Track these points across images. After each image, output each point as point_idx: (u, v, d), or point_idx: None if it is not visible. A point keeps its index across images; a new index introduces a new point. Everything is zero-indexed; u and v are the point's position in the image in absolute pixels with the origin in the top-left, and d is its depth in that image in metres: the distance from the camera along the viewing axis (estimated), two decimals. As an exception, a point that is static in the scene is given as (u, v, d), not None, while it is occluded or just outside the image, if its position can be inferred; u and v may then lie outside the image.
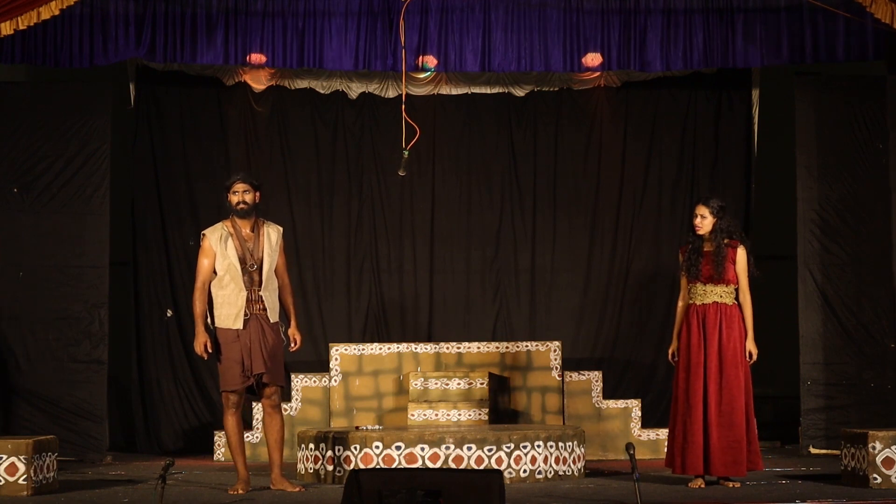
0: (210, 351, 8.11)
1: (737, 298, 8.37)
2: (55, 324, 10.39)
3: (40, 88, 10.72)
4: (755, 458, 8.30)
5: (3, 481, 7.96)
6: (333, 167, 11.62)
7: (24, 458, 7.99)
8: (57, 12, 9.28)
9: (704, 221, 8.38)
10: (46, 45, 10.12)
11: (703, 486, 8.24)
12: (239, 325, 8.09)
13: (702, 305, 8.34)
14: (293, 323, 8.35)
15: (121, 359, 11.16)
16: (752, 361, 8.34)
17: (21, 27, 9.25)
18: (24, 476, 7.98)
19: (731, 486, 8.21)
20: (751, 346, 8.33)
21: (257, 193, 8.27)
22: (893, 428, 8.58)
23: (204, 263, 8.16)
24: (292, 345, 8.30)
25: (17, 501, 7.89)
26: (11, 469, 7.98)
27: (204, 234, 8.24)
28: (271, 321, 8.16)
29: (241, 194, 8.19)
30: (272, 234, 8.26)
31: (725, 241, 8.36)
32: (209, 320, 8.14)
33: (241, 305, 8.10)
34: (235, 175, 8.35)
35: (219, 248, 8.13)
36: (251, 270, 8.13)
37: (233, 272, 8.12)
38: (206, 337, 8.10)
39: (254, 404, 10.38)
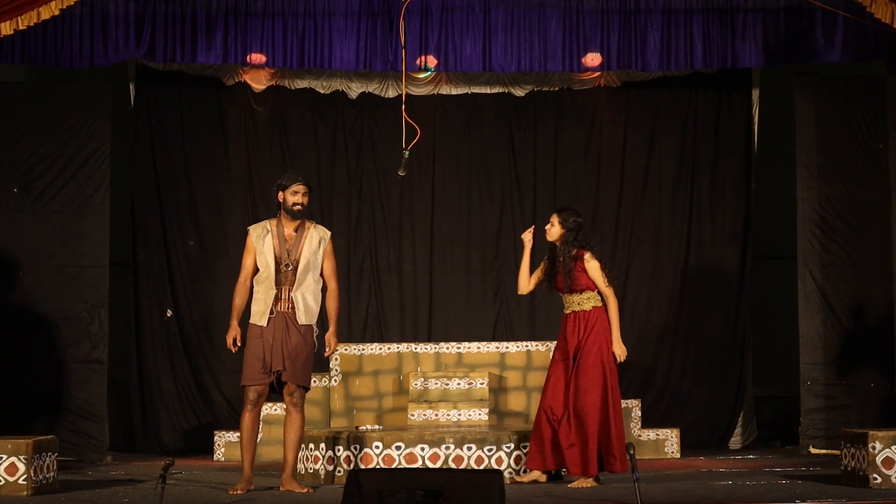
0: (238, 345, 8.16)
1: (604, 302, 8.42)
2: (55, 324, 10.39)
3: (40, 88, 10.72)
4: (614, 460, 8.26)
5: (3, 481, 7.95)
6: (333, 167, 11.62)
7: (24, 458, 7.98)
8: (57, 12, 9.28)
9: (551, 230, 8.49)
10: (46, 45, 10.12)
11: (539, 480, 8.41)
12: (263, 322, 8.11)
13: (565, 315, 8.48)
14: (332, 329, 8.28)
15: (121, 359, 11.15)
16: (620, 362, 8.38)
17: (21, 27, 9.25)
18: (24, 476, 7.97)
19: (586, 485, 8.23)
20: (616, 348, 8.36)
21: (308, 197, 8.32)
22: (893, 428, 8.58)
23: (246, 260, 8.22)
24: (327, 349, 8.28)
25: (17, 501, 7.88)
26: (11, 469, 7.98)
27: (248, 231, 8.31)
28: (300, 322, 8.14)
29: (300, 196, 8.18)
30: (315, 237, 8.25)
31: (573, 251, 8.38)
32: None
33: (269, 303, 8.12)
34: (296, 175, 8.31)
35: (258, 245, 8.18)
36: (286, 270, 8.15)
37: (266, 270, 8.15)
38: (237, 331, 8.16)
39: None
